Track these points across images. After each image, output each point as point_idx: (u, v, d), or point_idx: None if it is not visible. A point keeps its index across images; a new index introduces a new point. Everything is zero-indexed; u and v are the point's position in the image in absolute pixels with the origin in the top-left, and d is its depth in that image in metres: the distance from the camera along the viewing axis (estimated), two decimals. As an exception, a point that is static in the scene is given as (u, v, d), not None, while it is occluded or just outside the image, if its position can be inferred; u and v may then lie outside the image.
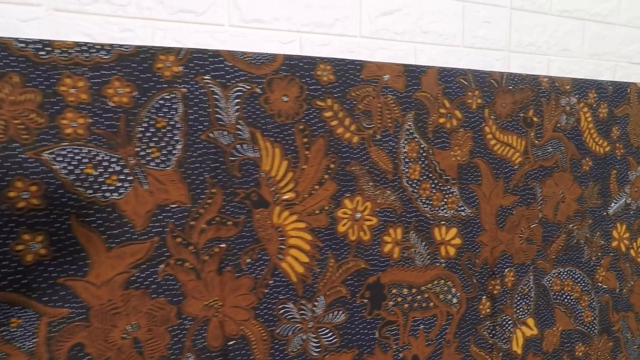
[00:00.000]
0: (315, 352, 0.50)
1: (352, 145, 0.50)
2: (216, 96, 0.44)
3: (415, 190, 0.55)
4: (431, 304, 0.56)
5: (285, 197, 0.47)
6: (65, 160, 0.38)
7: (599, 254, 0.70)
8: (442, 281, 0.57)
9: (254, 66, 0.45)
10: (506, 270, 0.62)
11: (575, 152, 0.66)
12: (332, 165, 0.49)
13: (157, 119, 0.42)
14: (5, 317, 0.37)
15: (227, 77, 0.44)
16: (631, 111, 0.70)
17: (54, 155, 0.38)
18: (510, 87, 0.60)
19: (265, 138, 0.46)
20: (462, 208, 0.58)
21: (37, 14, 0.47)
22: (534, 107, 0.62)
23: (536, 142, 0.62)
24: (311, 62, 0.47)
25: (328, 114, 0.49)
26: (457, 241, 0.58)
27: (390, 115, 0.52)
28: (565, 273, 0.67)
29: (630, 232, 0.72)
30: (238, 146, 0.45)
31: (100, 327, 0.40)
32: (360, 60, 0.50)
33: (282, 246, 0.48)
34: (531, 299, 0.64)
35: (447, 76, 0.55)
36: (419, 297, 0.56)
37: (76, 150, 0.39)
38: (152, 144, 0.42)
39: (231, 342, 0.46)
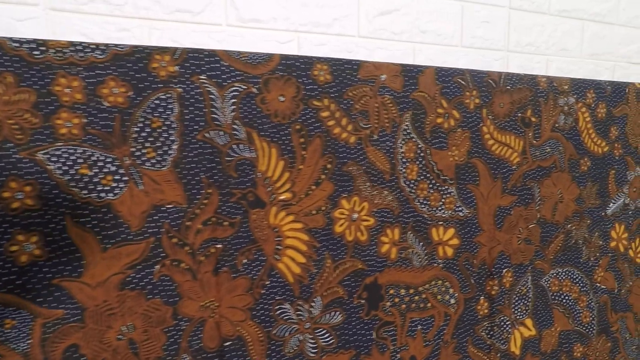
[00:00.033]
0: (312, 353, 0.50)
1: (349, 145, 0.50)
2: (212, 96, 0.44)
3: (413, 191, 0.54)
4: (429, 304, 0.56)
5: (282, 197, 0.47)
6: (60, 160, 0.38)
7: (598, 254, 0.70)
8: (440, 282, 0.57)
9: (250, 66, 0.45)
10: (504, 270, 0.62)
11: (574, 152, 0.65)
12: (329, 166, 0.49)
13: (153, 119, 0.42)
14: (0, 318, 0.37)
15: (223, 77, 0.44)
16: (630, 111, 0.70)
17: (49, 156, 0.38)
18: (508, 87, 0.60)
19: (261, 138, 0.46)
20: (460, 208, 0.58)
21: (34, 13, 0.47)
22: (532, 107, 0.62)
23: (534, 142, 0.62)
24: (308, 62, 0.47)
25: (325, 114, 0.49)
26: (455, 241, 0.57)
27: (387, 115, 0.52)
28: (563, 273, 0.67)
29: (628, 232, 0.72)
30: (234, 146, 0.45)
31: (95, 328, 0.40)
32: (357, 60, 0.50)
33: (279, 247, 0.47)
34: (529, 300, 0.64)
35: (445, 76, 0.55)
36: (416, 297, 0.55)
37: (71, 151, 0.39)
38: (147, 144, 0.41)
39: (227, 343, 0.46)
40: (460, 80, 0.56)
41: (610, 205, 0.70)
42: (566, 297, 0.67)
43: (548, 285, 0.66)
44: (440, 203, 0.56)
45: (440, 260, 0.57)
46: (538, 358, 0.65)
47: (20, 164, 0.37)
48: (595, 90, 0.66)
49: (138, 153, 0.41)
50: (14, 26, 0.46)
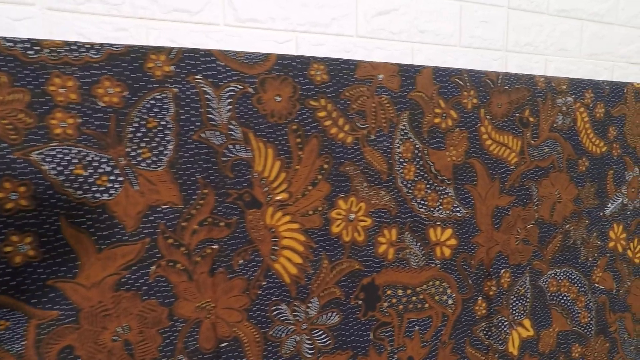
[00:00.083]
0: (309, 353, 0.50)
1: (346, 145, 0.50)
2: (208, 96, 0.43)
3: (410, 191, 0.54)
4: (426, 305, 0.56)
5: (278, 197, 0.47)
6: (55, 160, 0.38)
7: (596, 254, 0.69)
8: (438, 282, 0.57)
9: (246, 66, 0.45)
10: (502, 271, 0.61)
11: (572, 152, 0.65)
12: (325, 166, 0.49)
13: (148, 119, 0.41)
14: (-6, 319, 0.37)
15: (219, 76, 0.44)
16: (628, 111, 0.70)
17: (43, 156, 0.38)
18: (506, 87, 0.59)
19: (257, 138, 0.46)
20: (458, 209, 0.57)
21: (31, 13, 0.46)
22: (530, 107, 0.61)
23: (532, 142, 0.62)
24: (304, 62, 0.47)
25: (322, 113, 0.48)
26: (453, 242, 0.57)
27: (384, 115, 0.52)
28: (561, 274, 0.67)
29: (627, 232, 0.72)
30: (230, 146, 0.45)
31: (90, 329, 0.40)
32: (354, 60, 0.50)
33: (275, 247, 0.47)
34: (527, 300, 0.64)
35: (442, 76, 0.55)
36: (414, 298, 0.55)
37: (65, 151, 0.38)
38: (143, 144, 0.41)
39: (224, 344, 0.45)
40: (457, 80, 0.56)
41: (608, 206, 0.70)
42: (564, 298, 0.67)
43: (546, 285, 0.65)
44: (438, 203, 0.56)
45: (437, 261, 0.57)
46: (536, 358, 0.65)
47: (14, 164, 0.37)
48: (593, 90, 0.66)
49: (133, 153, 0.41)
50: (11, 26, 0.46)
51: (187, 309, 0.44)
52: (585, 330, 0.69)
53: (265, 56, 0.46)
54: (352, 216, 0.51)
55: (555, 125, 0.63)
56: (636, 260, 0.73)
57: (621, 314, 0.72)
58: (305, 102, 0.48)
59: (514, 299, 0.63)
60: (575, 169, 0.66)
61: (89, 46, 0.39)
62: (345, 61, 0.49)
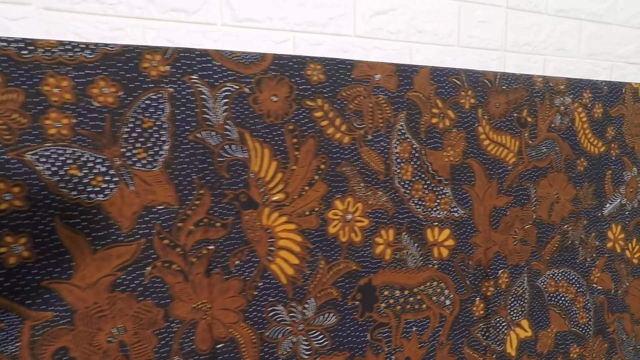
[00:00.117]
0: (306, 355, 0.49)
1: (342, 145, 0.50)
2: (204, 96, 0.43)
3: (408, 191, 0.54)
4: (424, 305, 0.56)
5: (275, 198, 0.47)
6: (49, 161, 0.38)
7: (594, 255, 0.69)
8: (435, 283, 0.57)
9: (242, 66, 0.45)
10: (500, 271, 0.61)
11: (570, 153, 0.65)
12: (322, 166, 0.49)
13: (144, 119, 0.41)
14: (-12, 321, 0.37)
15: (215, 76, 0.43)
16: (626, 111, 0.70)
17: (37, 156, 0.37)
18: (504, 87, 0.59)
19: (254, 138, 0.45)
20: (455, 209, 0.57)
21: (27, 12, 0.46)
22: (527, 107, 0.61)
23: (530, 142, 0.62)
24: (301, 62, 0.47)
25: (318, 114, 0.48)
26: (450, 242, 0.57)
27: (381, 115, 0.52)
28: (559, 274, 0.66)
29: (625, 232, 0.72)
30: (226, 147, 0.45)
31: (85, 331, 0.40)
32: (351, 60, 0.50)
33: (272, 248, 0.47)
34: (525, 301, 0.64)
35: (440, 76, 0.55)
36: (411, 299, 0.55)
37: (60, 151, 0.38)
38: (138, 145, 0.41)
39: (220, 345, 0.45)
40: (455, 80, 0.56)
41: (606, 206, 0.70)
42: (562, 298, 0.67)
43: (544, 286, 0.65)
44: (436, 204, 0.56)
45: (435, 261, 0.56)
46: (534, 359, 0.65)
47: (8, 165, 0.36)
48: (591, 90, 0.66)
49: (129, 154, 0.41)
50: (7, 25, 0.45)
51: (183, 310, 0.43)
52: (584, 331, 0.69)
53: (262, 56, 0.45)
54: (349, 217, 0.51)
55: (553, 125, 0.63)
56: (634, 261, 0.73)
57: (619, 315, 0.72)
58: (302, 102, 0.47)
59: (512, 299, 0.63)
60: (573, 169, 0.66)
61: (83, 46, 0.38)
62: (342, 61, 0.49)
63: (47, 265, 0.38)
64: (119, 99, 0.40)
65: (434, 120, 0.55)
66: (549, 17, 0.75)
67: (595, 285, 0.70)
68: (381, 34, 0.63)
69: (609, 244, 0.71)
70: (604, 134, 0.68)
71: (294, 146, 0.47)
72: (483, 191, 0.59)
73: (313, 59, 0.48)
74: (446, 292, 0.57)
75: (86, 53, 0.39)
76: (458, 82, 0.56)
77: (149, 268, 0.42)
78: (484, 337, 0.61)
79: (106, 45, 0.40)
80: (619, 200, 0.71)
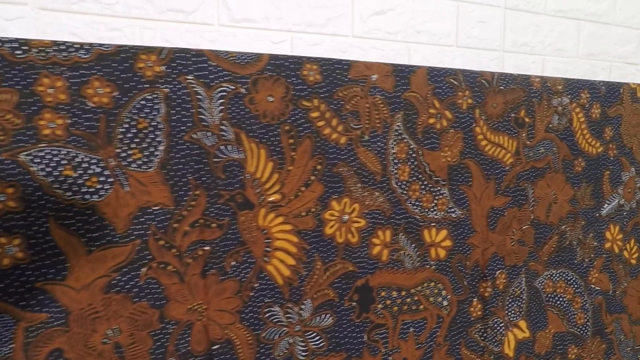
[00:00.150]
0: (303, 356, 0.49)
1: (339, 146, 0.49)
2: (199, 96, 0.43)
3: (405, 192, 0.54)
4: (421, 306, 0.56)
5: (271, 198, 0.47)
6: (43, 161, 0.38)
7: (592, 255, 0.69)
8: (433, 283, 0.56)
9: (238, 66, 0.44)
10: (497, 272, 0.61)
11: (568, 153, 0.65)
12: (318, 167, 0.49)
13: (139, 119, 0.41)
14: (-18, 322, 0.36)
15: (210, 77, 0.43)
16: (624, 112, 0.70)
17: (32, 157, 0.37)
18: (502, 87, 0.59)
19: (250, 139, 0.45)
20: (453, 209, 0.57)
21: (23, 12, 0.46)
22: (525, 107, 0.61)
23: (528, 142, 0.62)
24: (297, 62, 0.47)
25: (315, 114, 0.48)
26: (448, 243, 0.57)
27: (378, 116, 0.51)
28: (557, 275, 0.66)
29: (623, 233, 0.72)
30: (222, 147, 0.44)
31: (80, 332, 0.40)
32: (347, 60, 0.49)
33: (268, 249, 0.47)
34: (523, 301, 0.64)
35: (437, 76, 0.54)
36: (408, 299, 0.55)
37: (55, 152, 0.38)
38: (133, 145, 0.41)
39: (215, 347, 0.45)
40: (452, 81, 0.56)
41: (604, 206, 0.70)
42: (560, 299, 0.67)
43: (542, 286, 0.65)
44: (433, 204, 0.56)
45: (432, 262, 0.56)
46: (532, 360, 0.65)
47: (2, 166, 0.36)
48: (589, 90, 0.66)
49: (124, 154, 0.41)
50: (3, 25, 0.45)
51: (179, 311, 0.43)
52: (582, 332, 0.69)
53: (258, 56, 0.45)
54: (346, 217, 0.51)
55: (551, 125, 0.63)
56: (632, 261, 0.73)
57: (618, 315, 0.72)
58: (298, 103, 0.47)
59: (510, 300, 0.63)
60: (571, 170, 0.66)
61: (78, 46, 0.38)
62: (339, 61, 0.49)
63: (41, 267, 0.38)
64: (114, 99, 0.40)
65: (431, 121, 0.55)
66: (547, 17, 0.75)
67: (593, 286, 0.70)
68: (379, 34, 0.63)
69: (607, 245, 0.70)
70: (601, 134, 0.68)
71: (290, 147, 0.47)
72: (480, 192, 0.59)
73: (309, 59, 0.47)
74: (443, 292, 0.57)
75: (81, 53, 0.38)
76: (455, 82, 0.56)
77: (144, 269, 0.42)
78: (482, 338, 0.61)
79: (101, 45, 0.39)
80: (617, 201, 0.71)
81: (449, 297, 0.57)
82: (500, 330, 0.62)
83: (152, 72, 0.41)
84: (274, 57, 0.46)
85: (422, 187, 0.55)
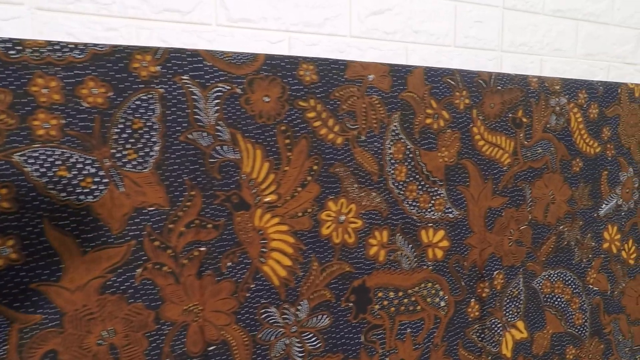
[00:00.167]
0: (299, 357, 0.49)
1: (336, 146, 0.49)
2: (195, 97, 0.43)
3: (402, 192, 0.54)
4: (418, 307, 0.56)
5: (267, 199, 0.46)
6: (38, 162, 0.37)
7: (590, 255, 0.69)
8: (430, 284, 0.56)
9: (234, 66, 0.44)
10: (495, 272, 0.61)
11: (566, 153, 0.65)
12: (315, 167, 0.48)
13: (134, 120, 0.41)
14: (-25, 324, 0.36)
15: (206, 77, 0.43)
16: (622, 112, 0.69)
17: (26, 157, 0.37)
18: (499, 88, 0.59)
19: (246, 139, 0.45)
20: (450, 210, 0.57)
21: (19, 12, 0.46)
22: (523, 107, 0.61)
23: (525, 142, 0.62)
24: (293, 62, 0.47)
25: (311, 114, 0.48)
26: (445, 243, 0.57)
27: (375, 116, 0.51)
28: (555, 275, 0.66)
29: (621, 233, 0.71)
30: (218, 147, 0.44)
31: (74, 333, 0.39)
32: (344, 60, 0.49)
33: (264, 249, 0.47)
34: (521, 302, 0.63)
35: (434, 76, 0.54)
36: (405, 300, 0.55)
37: (49, 152, 0.38)
38: (128, 146, 0.41)
39: (211, 348, 0.45)
40: (449, 81, 0.55)
41: (602, 207, 0.70)
42: (558, 299, 0.67)
43: (540, 287, 0.65)
44: (430, 205, 0.56)
45: (430, 263, 0.56)
46: (530, 361, 0.65)
47: (-5, 166, 0.36)
48: (587, 90, 0.66)
49: (119, 155, 0.40)
50: (-2, 25, 0.45)
51: (174, 312, 0.43)
52: (580, 332, 0.69)
53: (254, 56, 0.45)
54: (343, 218, 0.50)
55: (548, 125, 0.63)
56: (630, 262, 0.73)
57: (616, 316, 0.72)
58: (294, 103, 0.47)
59: (508, 300, 0.62)
60: (569, 170, 0.66)
61: (72, 46, 0.38)
62: (335, 61, 0.49)
63: (35, 268, 0.38)
64: (108, 99, 0.40)
65: (428, 121, 0.55)
66: (545, 17, 0.75)
67: (591, 286, 0.69)
68: (377, 34, 0.63)
69: (605, 245, 0.70)
70: (599, 134, 0.68)
71: (286, 147, 0.47)
72: (478, 192, 0.59)
73: (306, 59, 0.47)
74: (441, 293, 0.57)
75: (75, 53, 0.38)
76: (452, 82, 0.56)
77: (139, 270, 0.42)
78: (479, 339, 0.60)
79: (95, 45, 0.39)
80: (615, 201, 0.71)
81: (446, 297, 0.57)
82: (498, 331, 0.62)
83: (147, 72, 0.41)
84: (270, 57, 0.46)
85: (419, 187, 0.55)
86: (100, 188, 0.40)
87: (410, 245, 0.55)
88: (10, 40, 0.36)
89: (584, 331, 0.69)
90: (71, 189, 0.39)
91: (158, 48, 0.42)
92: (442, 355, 0.58)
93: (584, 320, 0.69)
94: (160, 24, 0.52)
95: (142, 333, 0.42)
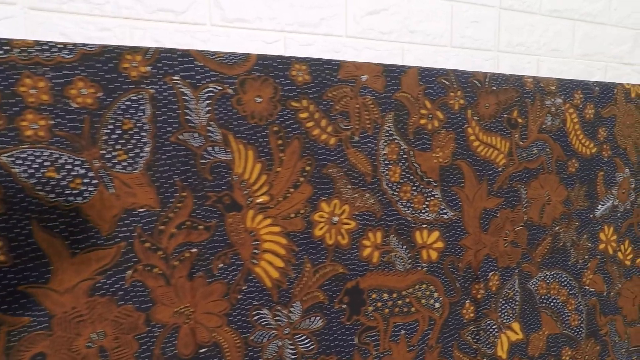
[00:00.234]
0: (292, 359, 0.49)
1: (329, 147, 0.49)
2: (186, 97, 0.43)
3: (396, 193, 0.53)
4: (413, 308, 0.55)
5: (259, 200, 0.46)
6: (26, 163, 0.37)
7: (586, 256, 0.69)
8: (424, 285, 0.56)
9: (225, 66, 0.44)
10: (490, 274, 0.61)
11: (561, 154, 0.64)
12: (307, 168, 0.48)
13: (124, 120, 0.40)
14: (-38, 326, 0.36)
15: (197, 77, 0.43)
16: (618, 112, 0.69)
17: (13, 158, 0.37)
18: (494, 88, 0.59)
19: (237, 140, 0.45)
20: (445, 211, 0.57)
21: (12, 12, 0.45)
22: (518, 108, 0.61)
23: (521, 143, 0.61)
24: (286, 62, 0.46)
25: (303, 115, 0.48)
26: (440, 245, 0.57)
27: (368, 116, 0.51)
28: (551, 276, 0.66)
29: (617, 234, 0.71)
30: (209, 148, 0.44)
31: (63, 336, 0.39)
32: (336, 60, 0.49)
33: (256, 251, 0.46)
34: (516, 303, 0.63)
35: (428, 76, 0.54)
36: (399, 302, 0.54)
37: (37, 153, 0.38)
38: (118, 147, 0.40)
39: (203, 350, 0.45)
40: (444, 81, 0.55)
41: (598, 207, 0.69)
42: (554, 300, 0.66)
43: (535, 288, 0.65)
44: (424, 205, 0.55)
45: (424, 264, 0.56)
46: (525, 362, 0.64)
47: (-17, 167, 0.36)
48: (583, 90, 0.66)
49: (108, 155, 0.40)
50: (-9, 25, 0.45)
51: (165, 314, 0.43)
52: (576, 333, 0.69)
53: (246, 56, 0.45)
54: (336, 219, 0.50)
55: (544, 126, 0.63)
56: (627, 262, 0.73)
57: (612, 317, 0.72)
58: (287, 103, 0.47)
59: (503, 302, 0.62)
60: (564, 171, 0.65)
61: (61, 46, 0.38)
62: (328, 61, 0.48)
63: (23, 270, 0.37)
64: (98, 100, 0.39)
65: (423, 121, 0.54)
66: (542, 17, 0.74)
67: (587, 287, 0.69)
68: (373, 34, 0.62)
69: (601, 246, 0.70)
70: (595, 135, 0.67)
71: (278, 148, 0.47)
72: (473, 193, 0.58)
73: (298, 59, 0.47)
74: (435, 294, 0.57)
75: (64, 53, 0.38)
76: (447, 82, 0.55)
77: (129, 272, 0.41)
78: (475, 340, 0.60)
79: (85, 45, 0.39)
80: (611, 202, 0.70)
81: (441, 299, 0.57)
82: (493, 333, 0.62)
83: (137, 73, 0.41)
84: (262, 57, 0.45)
85: (414, 188, 0.54)
86: (89, 189, 0.39)
87: (405, 247, 0.54)
88: (-3, 40, 0.36)
89: (580, 332, 0.69)
90: (60, 190, 0.38)
91: (148, 48, 0.41)
92: (437, 357, 0.57)
93: (580, 322, 0.69)
94: (154, 24, 0.51)
95: (132, 335, 0.42)
